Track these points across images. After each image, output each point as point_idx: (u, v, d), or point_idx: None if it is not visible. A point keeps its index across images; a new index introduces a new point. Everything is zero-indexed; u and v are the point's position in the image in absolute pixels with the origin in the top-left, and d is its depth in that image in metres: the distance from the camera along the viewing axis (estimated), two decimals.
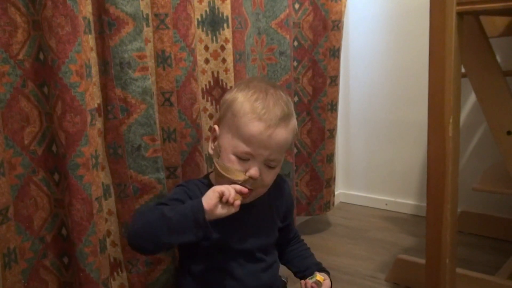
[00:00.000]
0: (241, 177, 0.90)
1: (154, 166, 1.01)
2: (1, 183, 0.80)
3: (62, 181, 0.90)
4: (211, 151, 0.98)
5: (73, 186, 0.88)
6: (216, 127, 0.97)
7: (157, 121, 1.05)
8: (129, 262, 1.04)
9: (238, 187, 0.88)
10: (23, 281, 0.87)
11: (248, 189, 0.90)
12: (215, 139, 0.97)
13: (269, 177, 0.94)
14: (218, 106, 1.19)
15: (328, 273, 1.05)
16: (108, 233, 1.03)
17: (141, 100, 0.98)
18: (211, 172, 1.03)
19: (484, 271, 1.27)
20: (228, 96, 0.97)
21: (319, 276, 0.98)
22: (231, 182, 0.90)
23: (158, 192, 1.03)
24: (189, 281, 0.98)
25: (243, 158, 0.91)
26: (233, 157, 0.91)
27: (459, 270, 1.15)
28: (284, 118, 0.91)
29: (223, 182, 0.92)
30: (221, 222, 0.93)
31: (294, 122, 0.95)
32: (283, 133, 0.91)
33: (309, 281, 0.98)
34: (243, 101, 0.91)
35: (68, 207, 0.89)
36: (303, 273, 1.06)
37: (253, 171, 0.90)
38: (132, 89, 0.97)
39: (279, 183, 1.04)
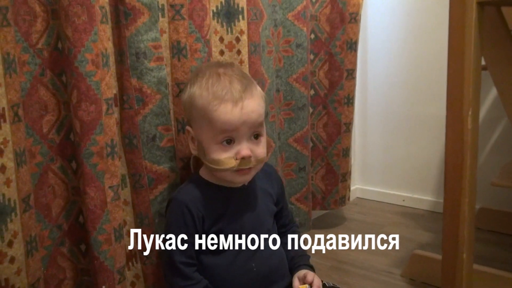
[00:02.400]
0: (233, 163, 0.91)
1: (168, 155, 1.01)
2: (23, 171, 0.81)
3: (78, 169, 0.91)
4: (194, 152, 0.99)
5: (87, 174, 0.89)
6: (189, 128, 0.98)
7: (172, 112, 1.05)
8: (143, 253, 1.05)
9: None
10: (42, 268, 0.89)
11: (247, 169, 0.92)
12: (193, 139, 0.98)
13: (261, 149, 0.95)
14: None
15: (312, 268, 1.05)
16: (124, 222, 1.03)
17: (156, 90, 0.98)
18: (197, 169, 1.04)
19: (502, 268, 1.24)
20: (185, 95, 0.98)
21: (303, 286, 0.97)
22: (227, 171, 0.92)
23: (172, 181, 1.03)
24: (200, 270, 0.98)
25: (227, 143, 0.91)
26: (217, 147, 0.92)
27: (476, 267, 1.13)
28: (246, 89, 0.92)
29: (219, 175, 0.95)
30: (223, 211, 0.96)
31: (257, 88, 0.96)
32: (252, 102, 0.92)
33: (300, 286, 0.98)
34: (201, 92, 0.92)
35: (83, 195, 0.90)
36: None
37: (243, 151, 0.91)
38: (148, 79, 0.97)
39: (265, 169, 1.05)
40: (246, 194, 1.01)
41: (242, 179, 0.96)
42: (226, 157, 0.91)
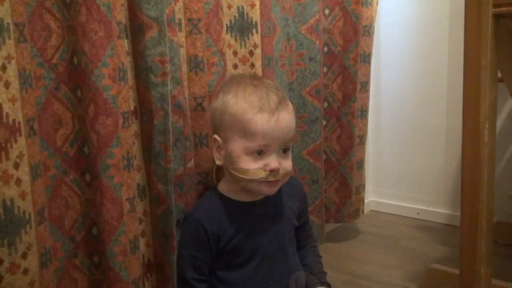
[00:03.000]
0: (262, 174, 0.90)
1: (165, 177, 0.99)
2: (38, 184, 0.82)
3: (93, 182, 0.92)
4: (219, 162, 0.97)
5: (104, 187, 0.89)
6: (216, 136, 0.96)
7: (189, 127, 1.05)
8: (157, 266, 1.05)
9: None
10: (55, 280, 0.89)
11: (275, 181, 0.92)
12: (219, 148, 0.96)
13: (288, 162, 0.94)
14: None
15: (329, 286, 1.03)
16: (143, 233, 1.03)
17: (160, 106, 0.97)
18: (216, 185, 1.03)
19: None
20: (216, 103, 0.97)
21: None
22: (254, 182, 0.91)
23: (166, 207, 1.00)
24: (215, 284, 0.97)
25: (258, 154, 0.91)
26: (247, 158, 0.91)
27: (494, 281, 1.11)
28: (282, 102, 0.92)
29: (245, 185, 0.93)
30: (240, 227, 0.95)
31: (290, 103, 0.96)
32: (287, 115, 0.92)
33: None
34: (236, 100, 0.91)
35: (99, 207, 0.91)
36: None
37: (273, 164, 0.90)
38: (153, 94, 0.96)
39: (291, 181, 1.03)
40: (266, 210, 0.99)
41: (269, 190, 0.94)
42: (255, 168, 0.90)
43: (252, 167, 0.90)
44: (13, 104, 0.75)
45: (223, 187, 1.00)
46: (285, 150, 0.94)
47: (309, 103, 1.46)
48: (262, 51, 1.21)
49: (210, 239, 0.93)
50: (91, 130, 0.88)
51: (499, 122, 1.67)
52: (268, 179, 0.91)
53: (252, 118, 0.89)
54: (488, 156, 0.97)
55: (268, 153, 0.91)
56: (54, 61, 0.88)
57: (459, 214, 1.03)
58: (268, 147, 0.90)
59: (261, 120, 0.89)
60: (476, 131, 0.97)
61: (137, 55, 0.97)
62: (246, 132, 0.89)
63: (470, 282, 1.02)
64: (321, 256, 1.11)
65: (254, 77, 1.01)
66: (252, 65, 1.20)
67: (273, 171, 0.91)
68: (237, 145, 0.91)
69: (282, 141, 0.91)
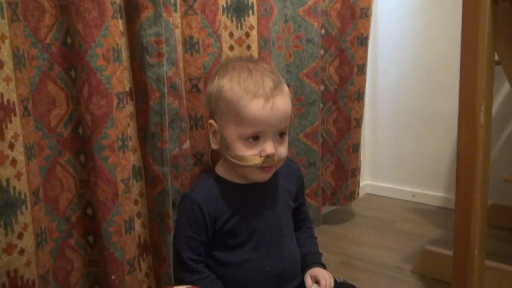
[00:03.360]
0: (257, 160, 0.90)
1: (161, 158, 0.98)
2: (33, 164, 0.82)
3: (88, 162, 0.92)
4: (215, 146, 0.97)
5: (98, 168, 0.89)
6: (212, 121, 0.96)
7: (185, 108, 1.05)
8: (153, 247, 1.05)
9: None
10: (51, 260, 0.89)
11: (269, 167, 0.91)
12: (215, 133, 0.96)
13: (283, 148, 0.94)
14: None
15: (324, 266, 1.04)
16: (139, 214, 1.04)
17: (156, 87, 0.96)
18: (214, 166, 1.03)
19: None
20: (211, 87, 0.96)
21: None
22: (249, 168, 0.91)
23: (162, 188, 1.00)
24: (212, 265, 0.98)
25: (253, 140, 0.90)
26: (243, 144, 0.91)
27: (488, 263, 1.12)
28: (277, 86, 0.91)
29: (239, 171, 0.93)
30: (237, 209, 0.95)
31: (286, 86, 0.95)
32: (282, 100, 0.91)
33: None
34: (231, 85, 0.91)
35: (94, 188, 0.91)
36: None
37: (268, 149, 0.90)
38: (149, 75, 0.96)
39: (287, 163, 1.03)
40: (263, 191, 0.99)
41: (263, 177, 0.94)
42: (251, 154, 0.90)
43: (248, 153, 0.90)
44: (8, 84, 0.75)
45: (220, 169, 1.00)
46: (281, 135, 0.94)
47: (307, 86, 1.45)
48: (259, 32, 1.20)
49: (207, 220, 0.93)
50: (85, 111, 0.88)
51: (495, 106, 1.67)
52: (264, 165, 0.91)
53: (247, 105, 0.88)
54: (483, 139, 0.97)
55: (264, 138, 0.91)
56: (47, 41, 0.87)
57: (454, 197, 1.03)
58: (264, 133, 0.90)
59: (256, 107, 0.88)
60: (472, 113, 0.96)
61: (132, 35, 0.96)
62: (241, 118, 0.89)
63: (463, 263, 1.03)
64: (316, 238, 1.12)
65: (250, 60, 1.00)
66: (248, 47, 1.19)
67: (268, 157, 0.90)
68: (233, 131, 0.91)
69: (277, 127, 0.91)
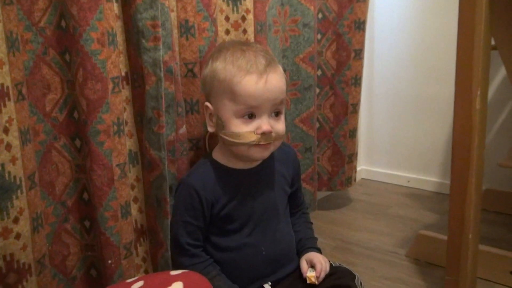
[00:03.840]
0: (253, 137, 0.90)
1: (158, 143, 0.98)
2: (28, 149, 0.82)
3: (84, 147, 0.92)
4: (212, 129, 0.97)
5: (93, 152, 0.89)
6: (208, 104, 0.96)
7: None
8: (150, 231, 1.06)
9: None
10: (47, 244, 0.90)
11: (266, 144, 0.92)
12: (211, 115, 0.96)
13: (280, 125, 0.94)
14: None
15: (319, 250, 1.04)
16: (135, 199, 1.04)
17: (152, 72, 0.95)
18: (211, 152, 1.03)
19: (507, 248, 1.25)
20: (206, 71, 0.97)
21: (310, 275, 0.96)
22: (245, 145, 0.91)
23: (159, 173, 1.00)
24: (209, 249, 0.98)
25: (249, 118, 0.91)
26: (238, 121, 0.91)
27: (481, 247, 1.13)
28: (270, 64, 0.91)
29: (236, 150, 0.93)
30: (234, 194, 0.96)
31: (279, 66, 0.95)
32: (276, 77, 0.91)
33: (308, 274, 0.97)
34: (225, 66, 0.91)
35: (90, 173, 0.91)
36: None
37: (264, 126, 0.90)
38: (145, 59, 0.95)
39: (284, 149, 1.04)
40: (259, 177, 1.00)
41: (261, 155, 0.94)
42: (246, 131, 0.90)
43: (243, 130, 0.90)
44: (1, 68, 0.74)
45: (217, 154, 1.00)
46: (277, 114, 0.94)
47: (303, 70, 1.45)
48: (255, 16, 1.19)
49: (204, 205, 0.94)
50: (80, 95, 0.88)
51: (491, 91, 1.67)
52: (260, 142, 0.91)
53: (240, 81, 0.89)
54: (479, 124, 0.97)
55: (259, 116, 0.91)
56: (41, 24, 0.86)
57: (449, 182, 1.04)
58: (258, 109, 0.90)
59: (249, 82, 0.88)
60: (468, 98, 0.97)
61: (128, 19, 0.95)
62: (235, 95, 0.89)
63: (458, 247, 1.04)
64: (311, 223, 1.12)
65: (243, 42, 1.01)
66: (245, 31, 1.18)
67: (264, 134, 0.90)
68: (228, 109, 0.91)
69: (271, 102, 0.91)
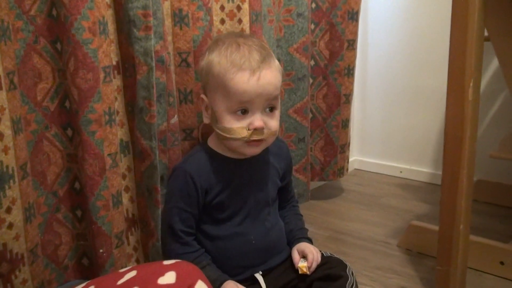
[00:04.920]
0: (245, 133, 0.90)
1: (149, 132, 0.98)
2: (20, 139, 0.81)
3: (75, 137, 0.91)
4: (207, 121, 0.98)
5: (85, 142, 0.89)
6: (203, 96, 0.97)
7: (173, 82, 1.04)
8: (141, 221, 1.06)
9: None
10: (39, 234, 0.90)
11: (258, 141, 0.92)
12: (206, 108, 0.97)
13: (273, 122, 0.94)
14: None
15: (310, 241, 1.05)
16: (127, 188, 1.04)
17: (143, 61, 0.95)
18: (206, 139, 1.03)
19: (498, 239, 1.26)
20: (202, 62, 0.97)
21: (302, 265, 0.96)
22: (237, 141, 0.91)
23: (150, 162, 0.99)
24: (200, 238, 0.99)
25: (242, 113, 0.91)
26: (231, 117, 0.91)
27: (472, 238, 1.14)
28: (264, 60, 0.91)
29: (228, 144, 0.94)
30: (227, 183, 0.96)
31: (275, 60, 0.95)
32: (269, 74, 0.91)
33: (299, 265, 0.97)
34: (219, 59, 0.91)
35: (81, 162, 0.90)
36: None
37: (256, 122, 0.90)
38: (136, 48, 0.94)
39: (277, 143, 1.04)
40: (252, 167, 1.00)
41: (252, 151, 0.94)
42: (238, 127, 0.90)
43: (235, 126, 0.91)
44: None
45: (212, 142, 1.00)
46: (271, 109, 0.94)
47: (297, 61, 1.44)
48: (250, 6, 1.18)
49: (199, 192, 0.94)
50: (71, 85, 0.87)
51: (483, 82, 1.68)
52: (252, 138, 0.91)
53: (233, 78, 0.89)
54: (471, 115, 0.97)
55: (252, 112, 0.91)
56: (32, 12, 0.85)
57: (441, 173, 1.04)
58: (251, 104, 0.90)
59: (241, 79, 0.88)
60: (461, 89, 0.97)
61: (119, 8, 0.94)
62: (228, 91, 0.89)
63: (449, 238, 1.04)
64: (301, 215, 1.13)
65: (240, 35, 1.00)
66: (240, 21, 1.17)
67: (256, 130, 0.90)
68: (221, 104, 0.91)
69: (264, 98, 0.90)
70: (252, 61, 0.89)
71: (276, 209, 1.06)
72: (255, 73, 0.89)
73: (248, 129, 0.90)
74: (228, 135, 0.91)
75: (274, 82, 0.92)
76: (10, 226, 0.78)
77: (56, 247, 0.95)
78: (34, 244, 0.86)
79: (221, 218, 0.97)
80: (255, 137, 0.91)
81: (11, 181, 0.78)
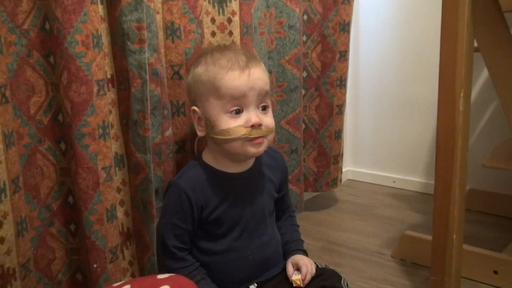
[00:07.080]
0: (243, 131, 0.90)
1: (144, 145, 0.98)
2: (12, 152, 0.80)
3: (69, 150, 0.91)
4: (202, 133, 0.97)
5: (78, 155, 0.88)
6: (195, 108, 0.96)
7: (166, 95, 1.04)
8: (136, 235, 1.05)
9: None
10: (32, 249, 0.89)
11: (259, 137, 0.92)
12: (199, 119, 0.96)
13: (269, 119, 0.95)
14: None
15: (305, 253, 1.05)
16: (122, 202, 1.03)
17: (137, 74, 0.95)
18: (199, 154, 1.03)
19: (491, 248, 1.26)
20: (189, 78, 0.98)
21: (296, 278, 0.96)
22: (238, 141, 0.91)
23: (145, 176, 0.99)
24: (196, 255, 0.98)
25: (236, 113, 0.91)
26: (227, 117, 0.91)
27: (466, 247, 1.14)
28: (251, 60, 0.93)
29: (230, 148, 0.92)
30: (223, 198, 0.96)
31: (261, 63, 0.97)
32: (258, 70, 0.93)
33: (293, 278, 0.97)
34: (206, 68, 0.93)
35: (75, 176, 0.90)
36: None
37: (253, 118, 0.91)
38: (130, 61, 0.94)
39: (271, 154, 1.04)
40: (248, 181, 1.00)
41: (255, 150, 0.93)
42: (236, 126, 0.90)
43: (232, 125, 0.90)
44: None
45: (207, 157, 1.00)
46: (264, 108, 0.94)
47: (289, 72, 1.45)
48: (241, 18, 1.19)
49: (194, 208, 0.93)
50: (65, 98, 0.87)
51: (474, 92, 1.69)
52: (251, 135, 0.91)
53: (223, 77, 0.90)
54: (462, 125, 0.98)
55: (246, 109, 0.91)
56: (25, 26, 0.85)
57: (433, 182, 1.05)
58: (245, 99, 0.90)
59: (232, 76, 0.90)
60: (452, 99, 0.98)
61: (113, 21, 0.94)
62: (220, 91, 0.90)
63: (442, 247, 1.05)
64: (298, 226, 1.13)
65: (223, 45, 1.03)
66: (230, 33, 1.18)
67: (254, 126, 0.90)
68: (214, 107, 0.92)
69: (256, 92, 0.91)
70: (240, 61, 0.91)
71: (273, 220, 1.06)
72: (245, 70, 0.90)
73: (246, 126, 0.90)
74: (227, 137, 0.91)
75: (263, 77, 0.93)
76: (2, 240, 0.77)
77: (50, 262, 0.94)
78: (26, 259, 0.85)
79: (217, 234, 0.97)
80: (254, 134, 0.91)
81: (3, 195, 0.77)
